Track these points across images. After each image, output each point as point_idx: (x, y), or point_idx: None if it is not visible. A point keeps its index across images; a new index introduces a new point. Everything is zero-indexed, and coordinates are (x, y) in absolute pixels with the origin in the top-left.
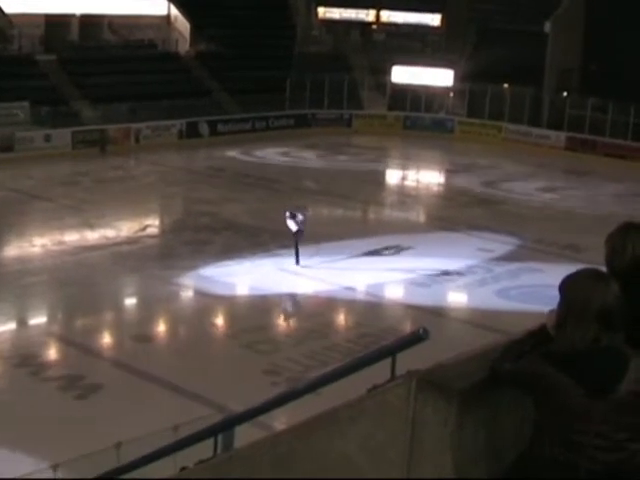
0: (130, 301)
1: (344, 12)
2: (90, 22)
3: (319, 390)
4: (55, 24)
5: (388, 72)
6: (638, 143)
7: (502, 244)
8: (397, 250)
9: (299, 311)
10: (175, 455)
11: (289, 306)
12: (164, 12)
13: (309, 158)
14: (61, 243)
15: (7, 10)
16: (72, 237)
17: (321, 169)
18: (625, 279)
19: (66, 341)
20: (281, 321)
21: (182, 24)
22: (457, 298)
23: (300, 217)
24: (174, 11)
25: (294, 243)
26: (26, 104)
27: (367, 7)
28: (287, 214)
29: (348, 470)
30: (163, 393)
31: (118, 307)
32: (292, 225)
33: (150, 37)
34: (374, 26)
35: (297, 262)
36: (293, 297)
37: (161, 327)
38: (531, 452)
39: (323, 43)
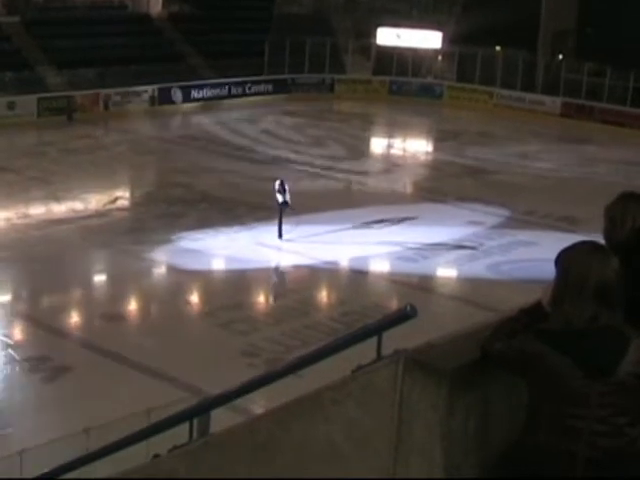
0: (100, 278)
1: None
2: None
3: (300, 372)
4: None
5: (373, 34)
6: (637, 109)
7: (493, 216)
8: (382, 223)
9: (279, 288)
10: (148, 441)
11: (268, 283)
12: None
13: (289, 125)
14: (26, 217)
15: None
16: (38, 210)
17: (301, 137)
18: (625, 252)
19: (32, 320)
20: (260, 299)
21: None
22: (446, 273)
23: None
24: None
25: (279, 216)
26: None
27: None
28: (277, 184)
29: (332, 458)
30: (135, 375)
31: (87, 284)
32: (279, 197)
33: None
34: None
35: (280, 236)
36: (272, 273)
37: (133, 305)
38: (525, 439)
39: (303, 4)
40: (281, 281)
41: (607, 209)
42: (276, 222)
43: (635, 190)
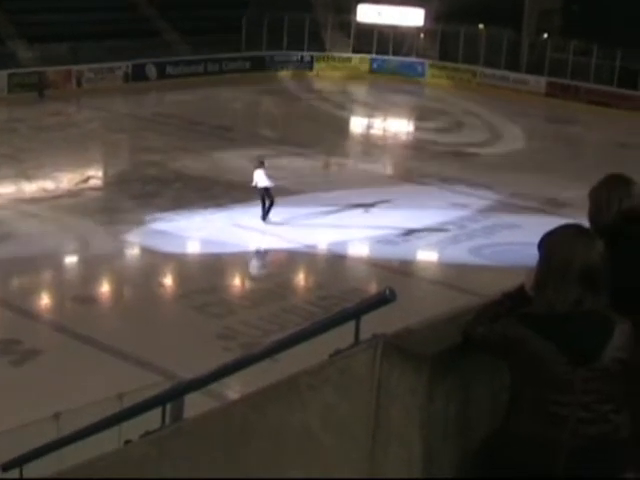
0: (71, 259)
1: None
2: None
3: (277, 356)
4: None
5: (353, 10)
6: (624, 90)
7: (477, 198)
8: (362, 205)
9: (255, 270)
10: (120, 426)
11: (244, 265)
12: None
13: (266, 104)
14: None
15: None
16: (8, 189)
17: (279, 116)
18: (610, 236)
19: (2, 302)
20: (236, 281)
21: None
22: (427, 257)
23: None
24: None
25: (261, 198)
26: None
27: None
28: (257, 165)
29: (309, 445)
30: (107, 359)
31: (59, 265)
32: (263, 179)
33: None
34: None
35: (264, 218)
36: (249, 255)
37: (105, 288)
38: (507, 426)
39: None
40: (258, 264)
41: (592, 192)
42: (253, 203)
43: (621, 172)
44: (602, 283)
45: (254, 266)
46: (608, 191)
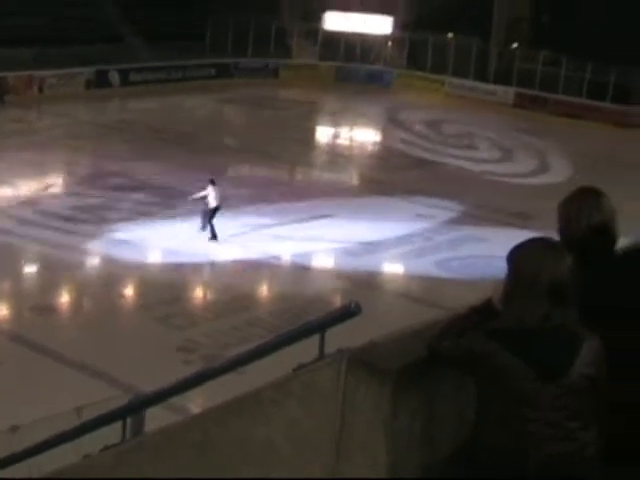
0: (30, 269)
1: None
2: None
3: (239, 369)
4: None
5: (320, 18)
6: (594, 101)
7: (442, 210)
8: (327, 216)
9: (218, 282)
10: (78, 440)
11: (207, 276)
12: None
13: (230, 112)
14: None
15: None
16: None
17: (243, 125)
18: (580, 250)
19: None
20: (198, 293)
21: None
22: (392, 269)
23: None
24: None
25: (206, 214)
26: None
27: None
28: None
29: (271, 459)
30: (66, 371)
31: (17, 275)
32: (212, 198)
33: None
34: None
35: (203, 228)
36: (211, 266)
37: (64, 298)
38: (473, 443)
39: None
40: (220, 275)
41: (561, 205)
42: (217, 214)
43: (591, 185)
44: (571, 298)
45: (216, 277)
46: (578, 204)
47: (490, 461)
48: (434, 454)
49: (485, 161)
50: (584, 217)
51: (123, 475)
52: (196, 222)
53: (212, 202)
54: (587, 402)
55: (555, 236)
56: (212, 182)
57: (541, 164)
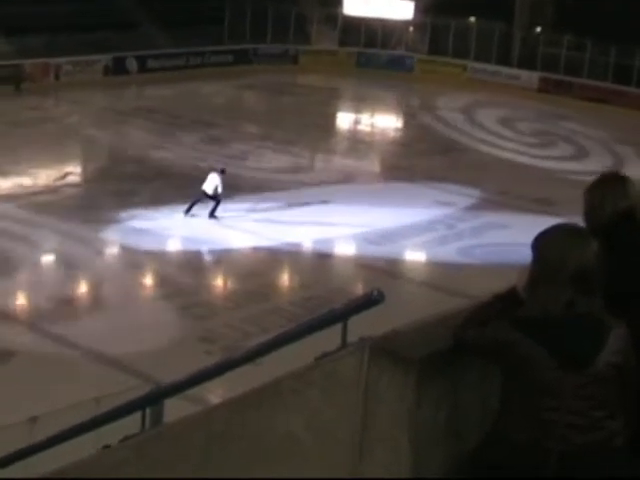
0: (48, 258)
1: None
2: None
3: (260, 360)
4: None
5: (339, 3)
6: (619, 86)
7: (465, 197)
8: (348, 203)
9: (238, 270)
10: (97, 431)
11: (226, 265)
12: None
13: (249, 99)
14: None
15: None
16: None
17: (263, 111)
18: (605, 236)
19: None
20: (218, 281)
21: None
22: (414, 257)
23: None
24: None
25: (196, 200)
26: None
27: None
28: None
29: (292, 450)
30: (85, 361)
31: (35, 265)
32: (212, 186)
33: None
34: None
35: (187, 212)
36: (231, 254)
37: (83, 288)
38: (497, 432)
39: None
40: (240, 263)
41: (587, 191)
42: (236, 201)
43: (617, 170)
44: (596, 285)
45: (236, 265)
46: (603, 190)
47: (513, 452)
48: (458, 445)
49: (509, 147)
50: (609, 203)
51: (143, 466)
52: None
53: (210, 189)
54: (614, 391)
55: (580, 222)
56: (222, 171)
57: (565, 150)
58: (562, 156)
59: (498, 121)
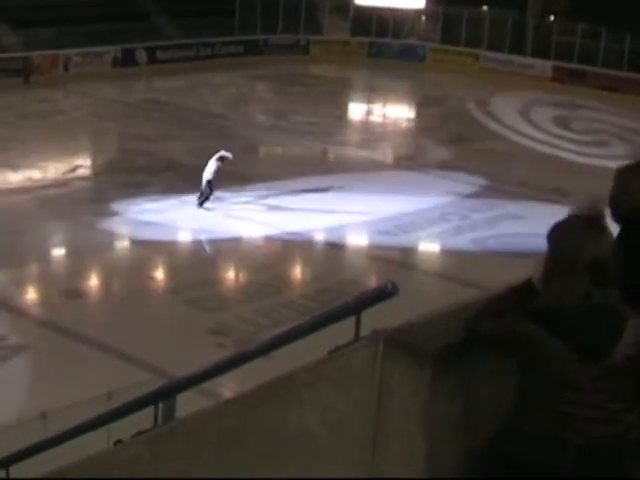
0: (58, 251)
1: None
2: None
3: (273, 353)
4: None
5: None
6: (634, 74)
7: (479, 187)
8: (360, 193)
9: (249, 262)
10: (109, 426)
11: (238, 257)
12: None
13: (260, 90)
14: None
15: None
16: None
17: (274, 102)
18: (628, 224)
19: None
20: (229, 274)
21: None
22: (428, 248)
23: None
24: None
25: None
26: None
27: None
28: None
29: (306, 445)
30: (95, 355)
31: (44, 258)
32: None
33: None
34: None
35: (201, 205)
36: (242, 246)
37: (93, 281)
38: (512, 426)
39: None
40: (252, 255)
41: (618, 173)
42: (245, 193)
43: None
44: (613, 276)
45: (247, 257)
46: (634, 175)
47: (530, 445)
48: (473, 438)
49: (523, 137)
50: (637, 189)
51: (157, 461)
52: (222, 203)
53: (209, 175)
54: (629, 383)
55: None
56: (221, 159)
57: (580, 139)
58: (578, 147)
59: (512, 111)
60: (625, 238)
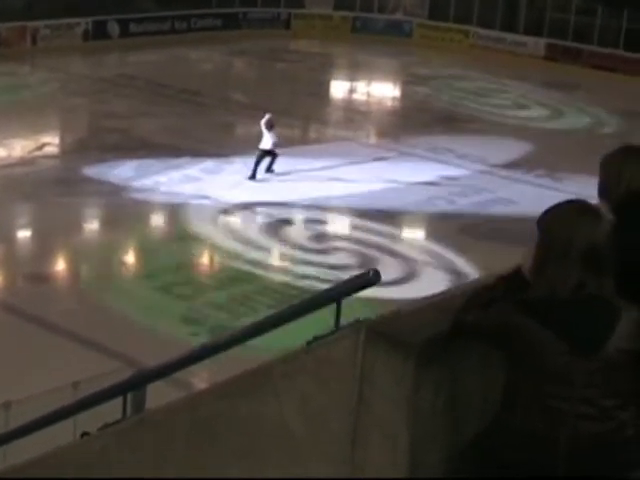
0: (24, 234)
1: None
2: None
3: (249, 342)
4: None
5: None
6: (632, 53)
7: (468, 171)
8: (341, 178)
9: (224, 246)
10: (75, 418)
11: (214, 241)
12: None
13: (239, 66)
14: None
15: None
16: None
17: (253, 79)
18: (617, 212)
19: None
20: (205, 259)
21: None
22: (413, 235)
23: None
24: None
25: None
26: None
27: None
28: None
29: (282, 438)
30: (62, 343)
31: (9, 241)
32: (269, 137)
33: None
34: None
35: (253, 177)
36: (217, 229)
37: (61, 265)
38: (500, 421)
39: None
40: (226, 238)
41: (604, 161)
42: (222, 173)
43: (630, 143)
44: (607, 266)
45: (223, 241)
46: (620, 163)
47: (518, 443)
48: (458, 432)
49: (513, 117)
50: (624, 178)
51: (125, 455)
52: (200, 183)
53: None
54: (625, 379)
55: (590, 199)
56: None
57: (574, 120)
58: (571, 127)
59: (503, 90)
60: (617, 228)
